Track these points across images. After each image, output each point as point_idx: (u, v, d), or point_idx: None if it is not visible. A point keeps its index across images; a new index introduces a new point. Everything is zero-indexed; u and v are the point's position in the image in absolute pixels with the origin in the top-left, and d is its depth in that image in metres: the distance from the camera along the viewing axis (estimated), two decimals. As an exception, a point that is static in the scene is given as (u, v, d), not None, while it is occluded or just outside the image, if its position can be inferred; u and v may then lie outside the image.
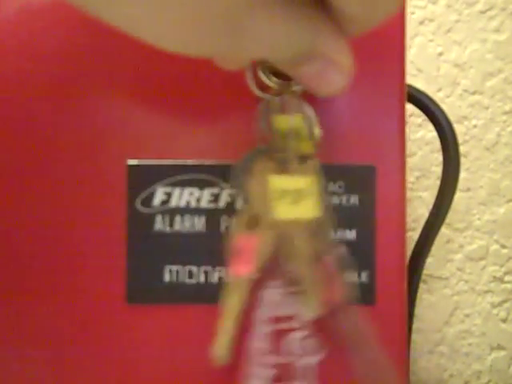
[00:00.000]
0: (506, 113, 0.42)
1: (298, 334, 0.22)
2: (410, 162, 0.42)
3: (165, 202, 0.23)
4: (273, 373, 0.22)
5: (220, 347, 0.22)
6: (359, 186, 0.23)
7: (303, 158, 0.22)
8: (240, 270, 0.22)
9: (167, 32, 0.15)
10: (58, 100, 0.23)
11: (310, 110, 0.22)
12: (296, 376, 0.22)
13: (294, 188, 0.21)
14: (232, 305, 0.22)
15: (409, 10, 0.42)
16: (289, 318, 0.22)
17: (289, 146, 0.22)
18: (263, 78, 0.22)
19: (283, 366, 0.22)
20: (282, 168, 0.22)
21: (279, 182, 0.21)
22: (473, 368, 0.42)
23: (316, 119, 0.22)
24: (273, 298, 0.22)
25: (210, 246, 0.23)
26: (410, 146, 0.42)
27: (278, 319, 0.22)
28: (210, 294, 0.23)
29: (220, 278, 0.23)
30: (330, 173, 0.23)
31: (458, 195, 0.31)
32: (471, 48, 0.42)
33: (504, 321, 0.42)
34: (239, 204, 0.23)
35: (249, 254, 0.22)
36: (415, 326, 0.40)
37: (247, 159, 0.22)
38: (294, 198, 0.21)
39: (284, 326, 0.22)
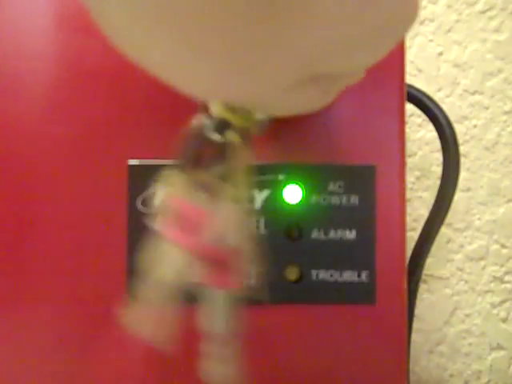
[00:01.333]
0: (506, 113, 0.42)
1: None
2: (410, 162, 0.42)
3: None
4: None
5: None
6: (359, 186, 0.23)
7: None
8: (184, 240, 0.19)
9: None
10: (59, 99, 0.23)
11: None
12: None
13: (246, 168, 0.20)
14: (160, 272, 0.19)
15: (409, 10, 0.42)
16: None
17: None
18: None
19: None
20: None
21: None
22: (473, 368, 0.42)
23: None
24: None
25: (210, 246, 0.23)
26: (410, 146, 0.42)
27: None
28: (211, 294, 0.23)
29: (220, 278, 0.23)
30: (330, 173, 0.23)
31: (457, 195, 0.31)
32: (471, 48, 0.42)
33: (504, 321, 0.42)
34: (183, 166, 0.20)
35: (197, 226, 0.19)
36: (415, 325, 0.40)
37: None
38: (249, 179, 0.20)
39: None
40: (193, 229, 0.19)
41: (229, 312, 0.21)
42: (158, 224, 0.20)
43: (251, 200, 0.21)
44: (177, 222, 0.20)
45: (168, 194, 0.20)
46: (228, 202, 0.20)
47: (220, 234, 0.20)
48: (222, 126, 0.20)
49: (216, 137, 0.20)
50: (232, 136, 0.20)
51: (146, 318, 0.20)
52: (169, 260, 0.19)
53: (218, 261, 0.20)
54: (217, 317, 0.21)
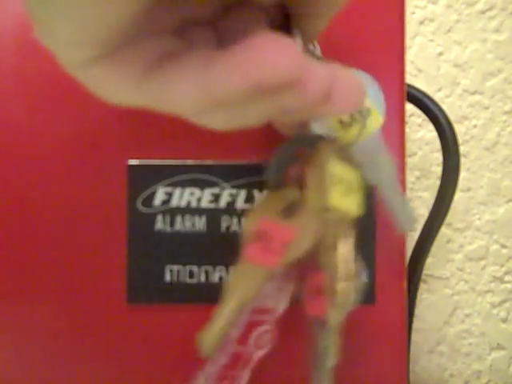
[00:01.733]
0: (506, 113, 0.42)
1: (263, 328, 0.22)
2: (410, 162, 0.42)
3: (165, 202, 0.23)
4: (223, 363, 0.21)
5: (210, 335, 0.20)
6: (359, 186, 0.23)
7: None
8: (265, 259, 0.20)
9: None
10: (60, 99, 0.23)
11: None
12: (248, 366, 0.21)
13: (348, 178, 0.20)
14: (240, 292, 0.20)
15: (409, 9, 0.42)
16: (266, 311, 0.21)
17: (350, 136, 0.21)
18: None
19: (241, 354, 0.21)
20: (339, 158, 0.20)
21: (339, 168, 0.20)
22: (473, 368, 0.42)
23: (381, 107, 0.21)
24: (265, 289, 0.21)
25: (210, 246, 0.23)
26: (410, 146, 0.42)
27: (258, 310, 0.21)
28: (211, 294, 0.23)
29: (221, 278, 0.23)
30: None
31: (457, 195, 0.31)
32: (471, 48, 0.42)
33: (504, 321, 0.42)
34: (270, 187, 0.21)
35: (280, 245, 0.20)
36: (415, 325, 0.40)
37: (291, 145, 0.21)
38: (346, 188, 0.20)
39: (260, 317, 0.21)
40: (277, 248, 0.20)
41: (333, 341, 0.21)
42: (242, 246, 0.20)
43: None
44: (260, 242, 0.20)
45: (253, 215, 0.21)
46: (314, 216, 0.20)
47: (305, 251, 0.20)
48: (316, 139, 0.20)
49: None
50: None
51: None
52: (249, 278, 0.20)
53: (309, 282, 0.21)
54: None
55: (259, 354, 0.21)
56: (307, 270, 0.21)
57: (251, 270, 0.20)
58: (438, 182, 0.31)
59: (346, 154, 0.20)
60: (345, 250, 0.20)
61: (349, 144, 0.21)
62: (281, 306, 0.21)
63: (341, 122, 0.21)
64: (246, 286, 0.20)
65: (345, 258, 0.20)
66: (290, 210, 0.20)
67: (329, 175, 0.19)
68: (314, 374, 0.21)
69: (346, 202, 0.20)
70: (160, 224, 0.23)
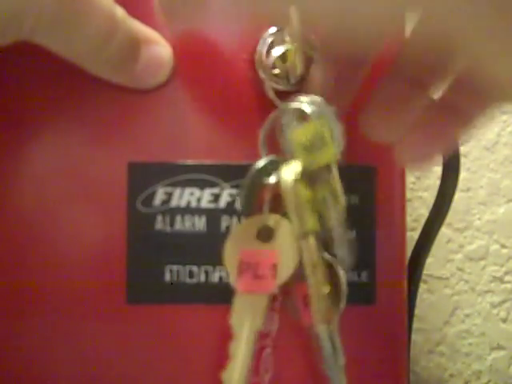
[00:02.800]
0: (506, 113, 0.42)
1: (266, 352, 0.22)
2: (410, 162, 0.42)
3: (165, 202, 0.23)
4: None
5: (235, 374, 0.20)
6: (359, 186, 0.23)
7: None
8: (261, 286, 0.20)
9: None
10: (60, 99, 0.23)
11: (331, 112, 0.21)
12: None
13: (311, 199, 0.21)
14: (248, 325, 0.20)
15: (409, 10, 0.42)
16: (266, 335, 0.22)
17: (312, 159, 0.21)
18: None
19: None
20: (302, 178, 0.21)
21: (305, 193, 0.21)
22: (473, 368, 0.42)
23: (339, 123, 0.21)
24: None
25: (210, 246, 0.23)
26: (410, 146, 0.42)
27: (261, 336, 0.22)
28: (211, 294, 0.23)
29: (221, 278, 0.23)
30: (330, 173, 0.23)
31: (457, 195, 0.31)
32: (471, 48, 0.42)
33: (504, 321, 0.42)
34: (243, 214, 0.22)
35: (269, 268, 0.20)
36: (415, 325, 0.40)
37: (261, 169, 0.22)
38: (313, 208, 0.21)
39: (263, 343, 0.22)
40: (268, 272, 0.20)
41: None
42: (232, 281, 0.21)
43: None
44: (247, 273, 0.21)
45: (229, 250, 0.22)
46: (293, 238, 0.21)
47: (292, 270, 0.21)
48: (276, 167, 0.21)
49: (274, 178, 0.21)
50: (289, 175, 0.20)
51: None
52: (252, 310, 0.20)
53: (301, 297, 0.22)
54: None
55: (266, 378, 0.22)
56: (291, 284, 0.22)
57: (251, 300, 0.21)
58: (438, 182, 0.31)
59: (310, 175, 0.21)
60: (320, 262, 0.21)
61: (317, 167, 0.21)
62: (274, 326, 0.22)
63: (303, 145, 0.21)
64: (253, 318, 0.20)
65: (322, 269, 0.21)
66: (265, 234, 0.21)
67: (305, 201, 0.20)
68: (329, 375, 0.22)
69: (313, 221, 0.21)
70: (160, 224, 0.23)
